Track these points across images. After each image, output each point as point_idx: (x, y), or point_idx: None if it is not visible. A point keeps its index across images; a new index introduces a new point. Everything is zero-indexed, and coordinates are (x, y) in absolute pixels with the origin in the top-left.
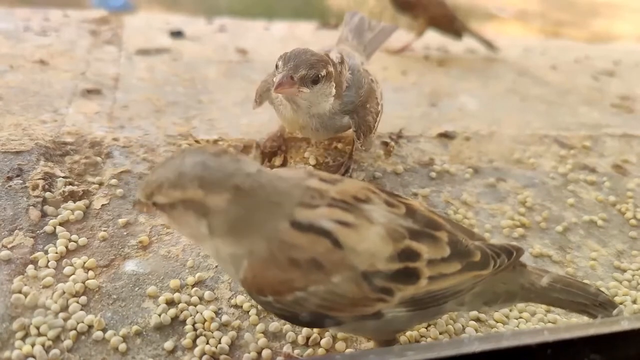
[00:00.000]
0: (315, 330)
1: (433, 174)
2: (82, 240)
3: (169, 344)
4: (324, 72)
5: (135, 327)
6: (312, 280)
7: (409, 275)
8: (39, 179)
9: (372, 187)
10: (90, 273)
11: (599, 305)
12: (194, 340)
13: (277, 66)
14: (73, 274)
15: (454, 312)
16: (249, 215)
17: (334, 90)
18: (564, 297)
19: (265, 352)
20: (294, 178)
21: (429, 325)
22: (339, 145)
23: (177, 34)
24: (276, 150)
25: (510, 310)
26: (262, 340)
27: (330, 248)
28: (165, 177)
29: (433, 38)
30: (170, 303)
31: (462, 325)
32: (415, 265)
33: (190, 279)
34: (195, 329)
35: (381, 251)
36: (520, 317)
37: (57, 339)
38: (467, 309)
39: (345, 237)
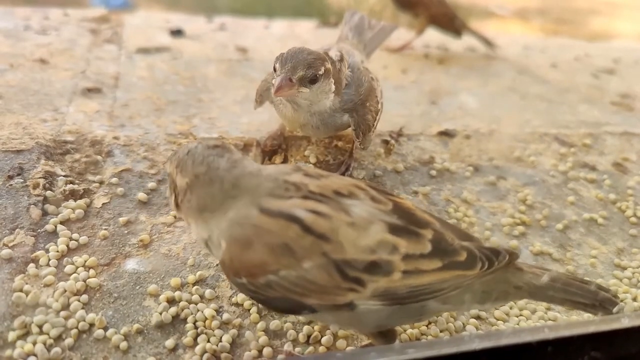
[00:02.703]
0: (316, 328)
1: (433, 172)
2: (83, 239)
3: (170, 342)
4: (322, 71)
5: (136, 326)
6: (283, 264)
7: (382, 268)
8: (40, 177)
9: (361, 184)
10: (91, 272)
11: (599, 304)
12: (195, 339)
13: (274, 68)
14: (74, 272)
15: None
16: (209, 202)
17: (333, 87)
18: (561, 296)
19: (266, 350)
20: (274, 173)
21: (429, 323)
22: (340, 144)
23: (177, 33)
24: (277, 148)
25: (511, 308)
26: (263, 339)
27: (300, 233)
28: (175, 152)
29: (433, 36)
30: (171, 301)
31: (463, 323)
32: (389, 259)
33: (191, 278)
34: (196, 327)
35: (353, 241)
36: (521, 315)
37: (58, 338)
38: (456, 309)
39: (316, 224)
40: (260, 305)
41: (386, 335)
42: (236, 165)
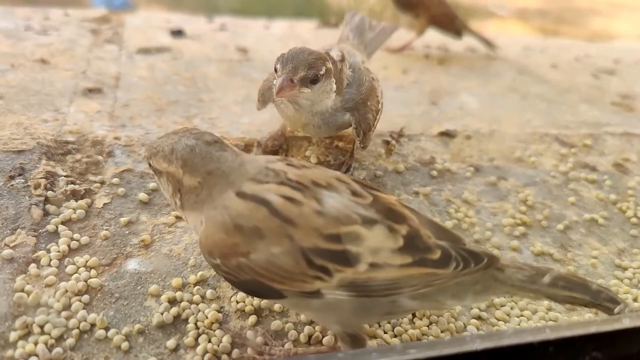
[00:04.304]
0: (317, 328)
1: (434, 173)
2: (84, 239)
3: (171, 343)
4: (323, 71)
5: (137, 326)
6: (253, 247)
7: (348, 258)
8: (41, 177)
9: (345, 178)
10: (93, 272)
11: (597, 301)
12: (196, 339)
13: (275, 69)
14: (75, 272)
15: (454, 310)
16: (210, 192)
17: (334, 87)
18: (548, 291)
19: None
20: (260, 160)
21: (430, 324)
22: (340, 144)
23: (177, 33)
24: (277, 149)
25: (512, 309)
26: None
27: (267, 216)
28: (162, 147)
29: (433, 37)
30: (173, 302)
31: (464, 324)
32: (356, 250)
33: (192, 278)
34: (197, 328)
35: (319, 229)
36: (522, 316)
37: (59, 338)
38: (431, 307)
39: (284, 208)
40: (260, 305)
41: (354, 340)
42: (238, 156)
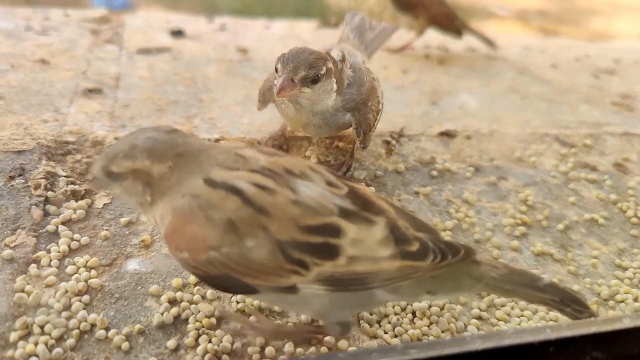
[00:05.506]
0: None
1: (434, 173)
2: (85, 240)
3: (171, 343)
4: (323, 70)
5: (137, 326)
6: (226, 241)
7: (327, 251)
8: (41, 178)
9: (318, 167)
10: (93, 272)
11: (566, 304)
12: (197, 339)
13: (276, 69)
14: (75, 273)
15: (455, 310)
16: (181, 175)
17: (335, 86)
18: (523, 291)
19: (268, 350)
20: (227, 146)
21: (430, 324)
22: (340, 144)
23: (177, 33)
24: (278, 149)
25: (512, 309)
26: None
27: (240, 205)
28: (119, 149)
29: (433, 37)
30: (173, 302)
31: (464, 324)
32: (336, 242)
33: (193, 278)
34: (197, 328)
35: (296, 220)
36: (522, 316)
37: (60, 338)
38: (406, 299)
39: (257, 197)
40: (262, 305)
41: (341, 326)
42: (202, 141)
